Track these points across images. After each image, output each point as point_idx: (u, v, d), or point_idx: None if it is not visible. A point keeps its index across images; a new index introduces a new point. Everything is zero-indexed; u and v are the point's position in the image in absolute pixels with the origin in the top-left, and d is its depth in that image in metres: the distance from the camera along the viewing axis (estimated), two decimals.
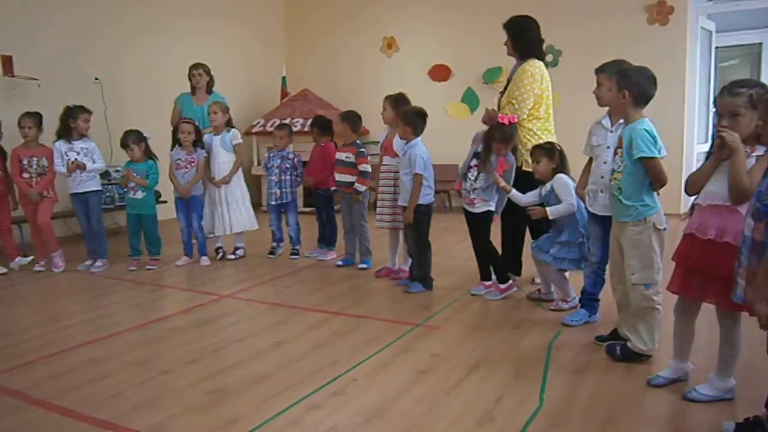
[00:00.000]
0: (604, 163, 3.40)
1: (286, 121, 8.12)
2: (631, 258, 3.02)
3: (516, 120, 4.12)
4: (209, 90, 6.18)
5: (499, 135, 4.02)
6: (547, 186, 3.86)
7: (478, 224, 4.24)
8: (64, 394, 2.82)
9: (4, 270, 5.28)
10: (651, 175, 2.90)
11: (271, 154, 5.75)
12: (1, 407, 2.70)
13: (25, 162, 5.22)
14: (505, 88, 4.56)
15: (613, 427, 2.44)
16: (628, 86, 2.90)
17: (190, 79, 6.13)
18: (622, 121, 3.33)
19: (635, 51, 5.68)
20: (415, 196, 4.35)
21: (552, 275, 3.98)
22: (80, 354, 3.36)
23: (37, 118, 5.25)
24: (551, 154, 3.85)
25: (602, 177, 3.42)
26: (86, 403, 2.72)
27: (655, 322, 3.03)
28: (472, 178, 4.17)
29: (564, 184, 3.78)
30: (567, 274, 3.98)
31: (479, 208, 4.18)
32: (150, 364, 3.18)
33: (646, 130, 2.87)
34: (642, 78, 2.92)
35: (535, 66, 4.40)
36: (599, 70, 3.45)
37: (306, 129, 7.92)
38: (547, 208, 3.81)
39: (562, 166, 3.86)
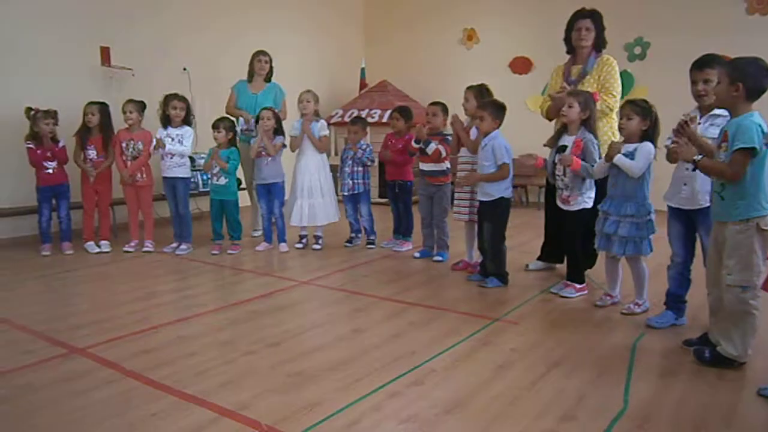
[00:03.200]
0: (688, 170, 3.27)
1: (363, 113, 8.23)
2: (729, 258, 2.88)
3: (598, 97, 4.10)
4: (268, 78, 6.27)
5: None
6: (629, 146, 3.61)
7: (573, 223, 4.08)
8: (155, 368, 2.96)
9: (108, 249, 5.60)
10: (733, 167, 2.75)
11: (347, 146, 5.81)
12: (98, 377, 2.87)
13: (123, 145, 5.52)
14: (574, 81, 4.44)
15: None
16: (743, 78, 2.74)
17: (252, 65, 6.20)
18: (715, 112, 3.19)
19: (732, 43, 5.40)
20: (493, 177, 4.32)
21: (631, 267, 3.79)
22: (169, 331, 3.52)
23: (139, 105, 5.54)
24: (646, 113, 3.56)
25: (687, 169, 3.28)
26: (176, 378, 2.84)
27: (749, 327, 2.89)
28: (561, 173, 4.05)
29: (647, 153, 3.55)
30: (647, 272, 3.80)
31: (575, 205, 4.03)
32: (234, 345, 3.29)
33: (755, 123, 2.73)
34: (756, 69, 2.75)
35: (615, 61, 4.40)
36: (703, 65, 3.27)
37: (384, 120, 7.96)
38: (619, 156, 3.57)
39: (653, 131, 3.60)
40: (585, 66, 4.46)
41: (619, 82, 4.38)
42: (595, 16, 4.49)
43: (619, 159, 3.58)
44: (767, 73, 2.76)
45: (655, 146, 3.59)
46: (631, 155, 3.58)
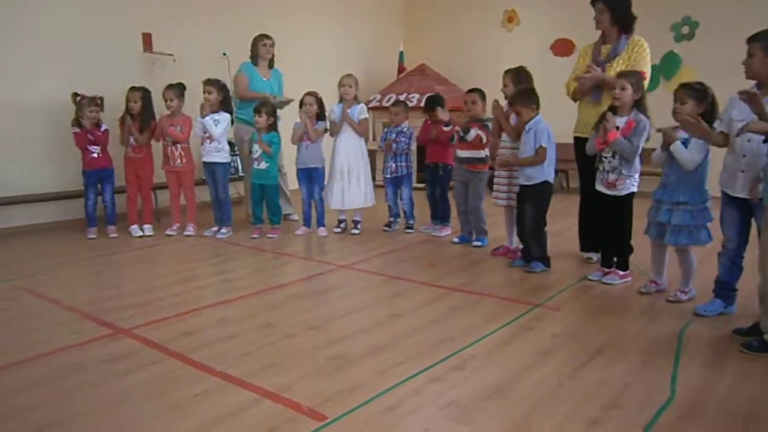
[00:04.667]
0: (748, 141, 3.13)
1: (402, 97, 8.17)
2: None
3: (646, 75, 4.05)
4: (271, 64, 6.22)
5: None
6: (684, 134, 3.48)
7: (619, 208, 3.96)
8: (198, 349, 3.00)
9: (151, 232, 5.72)
10: None
11: (388, 130, 5.78)
12: (144, 357, 2.92)
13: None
14: (603, 62, 4.31)
15: (756, 426, 2.27)
16: None
17: (256, 49, 6.09)
18: None
19: None
20: (527, 161, 4.26)
21: (680, 256, 3.68)
22: (212, 313, 3.57)
23: (179, 89, 5.60)
24: (702, 97, 3.41)
25: (744, 156, 3.16)
26: (218, 359, 2.88)
27: None
28: (608, 156, 3.91)
29: (703, 143, 3.42)
30: (695, 261, 3.69)
31: (623, 189, 3.90)
32: (275, 328, 3.32)
33: None
34: None
35: (646, 42, 4.25)
36: (753, 39, 3.14)
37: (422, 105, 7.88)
38: (675, 143, 3.44)
39: (711, 114, 3.42)
40: (616, 47, 4.29)
41: (650, 65, 4.22)
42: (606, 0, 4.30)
43: (675, 147, 3.44)
44: None
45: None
46: (685, 142, 3.46)
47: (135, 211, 5.74)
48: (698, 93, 3.41)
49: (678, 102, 3.47)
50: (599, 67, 4.29)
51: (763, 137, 2.91)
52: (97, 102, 5.42)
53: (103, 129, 5.50)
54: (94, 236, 5.58)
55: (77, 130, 5.39)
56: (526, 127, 4.30)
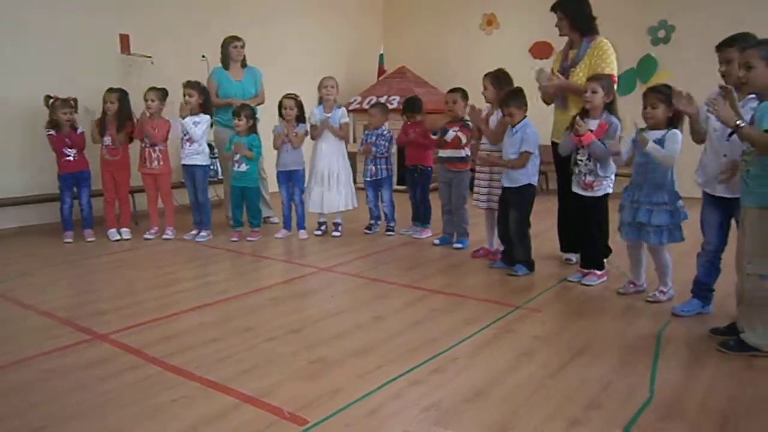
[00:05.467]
0: (727, 140, 3.17)
1: (382, 99, 8.18)
2: (749, 245, 2.84)
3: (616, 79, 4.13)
4: (244, 64, 6.17)
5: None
6: (657, 134, 3.53)
7: (596, 209, 4.01)
8: (177, 354, 2.97)
9: (129, 236, 5.65)
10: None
11: (368, 132, 5.77)
12: (121, 363, 2.88)
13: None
14: (568, 66, 4.39)
15: (733, 426, 2.29)
16: None
17: (228, 52, 6.03)
18: (750, 96, 3.08)
19: (761, 26, 5.26)
20: (510, 164, 4.29)
21: (655, 257, 3.72)
22: (190, 318, 3.53)
23: (161, 92, 5.54)
24: (671, 100, 3.47)
25: (725, 156, 3.20)
26: (198, 364, 2.85)
27: None
28: (584, 158, 3.96)
29: (676, 139, 3.48)
30: (670, 260, 3.73)
31: (599, 191, 3.95)
32: (255, 331, 3.29)
33: None
34: None
35: (609, 42, 4.31)
36: (723, 45, 3.18)
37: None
38: (650, 144, 3.46)
39: (678, 117, 3.51)
40: (579, 51, 4.39)
41: (614, 63, 4.26)
42: (560, 6, 4.41)
43: (652, 148, 3.47)
44: None
45: (681, 131, 3.52)
46: (659, 142, 3.50)
47: (113, 214, 5.66)
48: (667, 97, 3.48)
49: (648, 107, 3.54)
50: (564, 73, 4.37)
51: (728, 131, 2.95)
52: (71, 103, 5.35)
53: (79, 131, 5.42)
54: (70, 240, 5.49)
55: (52, 132, 5.31)
56: (514, 129, 4.31)
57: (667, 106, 3.49)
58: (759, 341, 2.86)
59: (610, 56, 4.27)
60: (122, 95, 5.50)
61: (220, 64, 6.11)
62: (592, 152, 3.86)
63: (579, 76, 4.28)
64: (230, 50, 6.03)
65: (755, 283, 2.84)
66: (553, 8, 4.44)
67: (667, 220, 3.55)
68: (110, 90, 5.49)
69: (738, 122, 2.76)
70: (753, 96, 3.00)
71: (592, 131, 3.84)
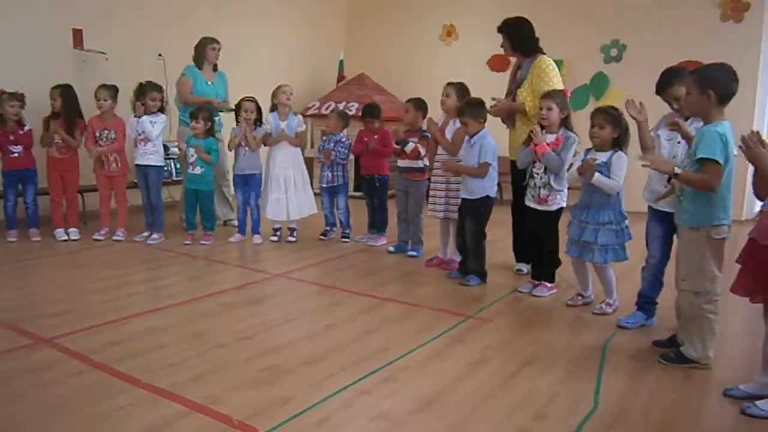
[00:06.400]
0: (674, 157, 3.30)
1: (341, 105, 8.19)
2: (682, 263, 2.98)
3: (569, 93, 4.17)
4: (215, 67, 6.14)
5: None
6: (603, 156, 3.62)
7: (550, 223, 4.09)
8: (124, 360, 2.90)
9: (77, 236, 5.49)
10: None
11: (326, 138, 5.77)
12: (66, 369, 2.81)
13: (97, 134, 5.40)
14: (516, 87, 4.54)
15: None
16: (713, 85, 2.76)
17: (204, 52, 5.96)
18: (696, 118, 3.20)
19: (706, 48, 5.51)
20: (470, 172, 4.34)
21: (599, 272, 3.82)
22: (139, 322, 3.46)
23: (112, 90, 5.40)
24: (617, 122, 3.59)
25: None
26: (145, 370, 2.79)
27: (707, 330, 2.95)
28: (540, 172, 4.03)
29: (622, 164, 3.59)
30: (614, 275, 3.83)
31: (553, 205, 4.03)
32: (205, 337, 3.25)
33: (719, 133, 2.74)
34: (724, 75, 2.78)
35: (550, 60, 4.45)
36: (664, 86, 3.34)
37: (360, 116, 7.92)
38: (596, 176, 3.56)
39: (624, 138, 3.63)
40: (522, 71, 4.55)
41: (555, 79, 4.36)
42: (503, 29, 4.60)
43: (598, 179, 3.58)
44: (734, 77, 2.79)
45: (626, 153, 3.65)
46: (605, 165, 3.61)
47: (60, 213, 5.50)
48: (614, 118, 3.61)
49: (596, 127, 3.65)
50: (511, 93, 4.56)
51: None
52: (19, 97, 5.18)
53: (26, 129, 5.25)
54: (14, 239, 5.31)
55: None
56: (471, 140, 4.37)
57: (613, 127, 3.60)
58: (696, 354, 2.97)
59: (548, 73, 4.36)
60: (65, 91, 5.31)
61: (185, 63, 6.03)
62: (546, 162, 3.94)
63: (524, 95, 4.43)
64: (208, 51, 5.98)
65: (689, 299, 2.95)
66: (498, 30, 4.62)
67: (613, 240, 3.66)
68: (54, 87, 5.33)
69: (675, 170, 2.88)
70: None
71: (548, 144, 3.93)
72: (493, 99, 4.55)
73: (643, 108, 3.44)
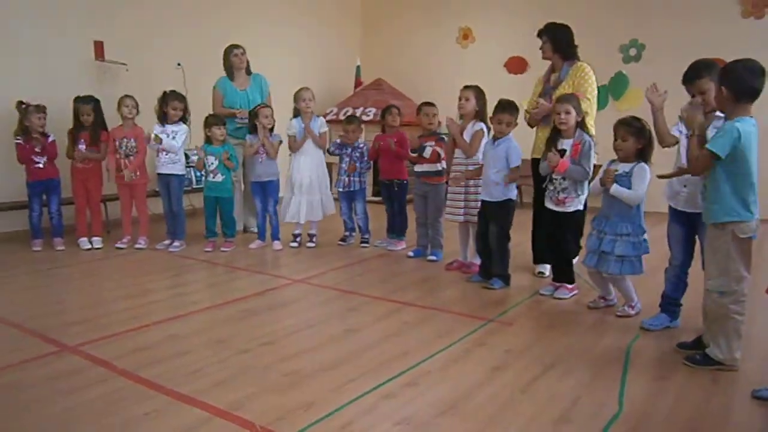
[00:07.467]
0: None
1: (358, 111, 8.23)
2: (708, 262, 2.94)
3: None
4: (248, 71, 6.18)
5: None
6: (626, 167, 3.60)
7: (569, 225, 4.07)
8: (147, 367, 2.93)
9: (100, 245, 5.57)
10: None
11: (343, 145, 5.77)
12: (90, 376, 2.84)
13: (117, 143, 5.48)
14: (552, 88, 4.57)
15: None
16: (726, 82, 2.74)
17: (230, 61, 6.05)
18: (719, 115, 3.16)
19: (726, 45, 5.42)
20: (510, 179, 4.32)
21: (616, 284, 3.81)
22: (162, 329, 3.49)
23: (135, 100, 5.51)
24: (641, 133, 3.55)
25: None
26: (168, 377, 2.82)
27: (732, 331, 2.90)
28: (559, 176, 4.00)
29: (644, 175, 3.55)
30: (630, 283, 3.79)
31: (571, 206, 4.01)
32: (228, 343, 3.27)
33: (738, 129, 2.69)
34: (742, 70, 2.73)
35: (589, 67, 4.52)
36: (691, 79, 3.23)
37: (379, 118, 7.94)
38: (614, 187, 3.58)
39: (648, 149, 3.59)
40: (559, 74, 4.58)
41: (594, 86, 4.48)
42: (546, 31, 4.65)
43: (616, 190, 3.57)
44: (755, 72, 2.73)
45: (650, 164, 3.61)
46: (627, 176, 3.58)
47: (84, 222, 5.58)
48: (637, 130, 3.56)
49: (619, 139, 3.62)
50: (546, 94, 4.58)
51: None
52: (42, 109, 5.28)
53: (50, 140, 5.35)
54: (39, 248, 5.40)
55: (20, 141, 5.23)
56: (496, 143, 4.36)
57: (636, 139, 3.56)
58: (722, 355, 2.92)
59: (589, 78, 4.46)
60: (96, 106, 5.47)
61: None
62: (570, 177, 3.94)
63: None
64: (231, 59, 6.05)
65: (715, 299, 2.91)
66: (539, 33, 4.67)
67: (630, 251, 3.62)
68: (82, 101, 5.43)
69: (695, 131, 2.88)
70: (721, 115, 3.08)
71: (566, 151, 3.91)
72: (538, 102, 4.56)
73: (664, 94, 3.37)
